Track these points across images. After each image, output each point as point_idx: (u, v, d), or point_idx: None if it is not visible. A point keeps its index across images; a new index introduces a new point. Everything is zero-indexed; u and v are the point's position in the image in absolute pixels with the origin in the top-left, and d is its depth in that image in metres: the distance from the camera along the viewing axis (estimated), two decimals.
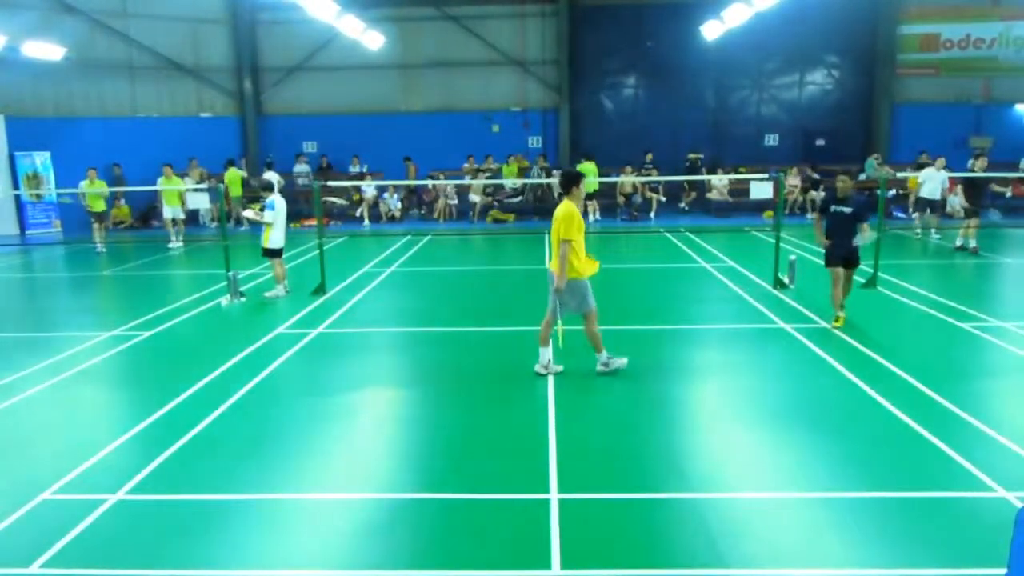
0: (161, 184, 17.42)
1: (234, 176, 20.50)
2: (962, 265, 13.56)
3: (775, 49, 22.79)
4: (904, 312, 9.90)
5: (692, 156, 21.49)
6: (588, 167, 19.70)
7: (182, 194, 17.05)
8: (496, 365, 7.98)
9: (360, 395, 7.25)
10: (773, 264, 11.39)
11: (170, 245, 17.08)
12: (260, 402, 6.98)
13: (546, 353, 7.41)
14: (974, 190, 14.34)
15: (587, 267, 7.19)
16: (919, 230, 16.65)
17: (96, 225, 17.02)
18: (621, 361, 7.43)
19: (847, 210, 8.86)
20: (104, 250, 16.77)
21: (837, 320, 8.99)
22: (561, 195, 7.34)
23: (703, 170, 21.16)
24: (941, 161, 15.98)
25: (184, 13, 22.34)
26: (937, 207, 16.25)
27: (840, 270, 8.99)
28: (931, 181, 15.59)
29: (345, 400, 7.03)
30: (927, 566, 4.17)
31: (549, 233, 7.24)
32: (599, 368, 7.40)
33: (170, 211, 17.30)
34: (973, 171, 14.64)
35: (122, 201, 21.27)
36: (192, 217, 20.84)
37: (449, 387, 7.32)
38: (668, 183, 20.93)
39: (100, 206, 16.99)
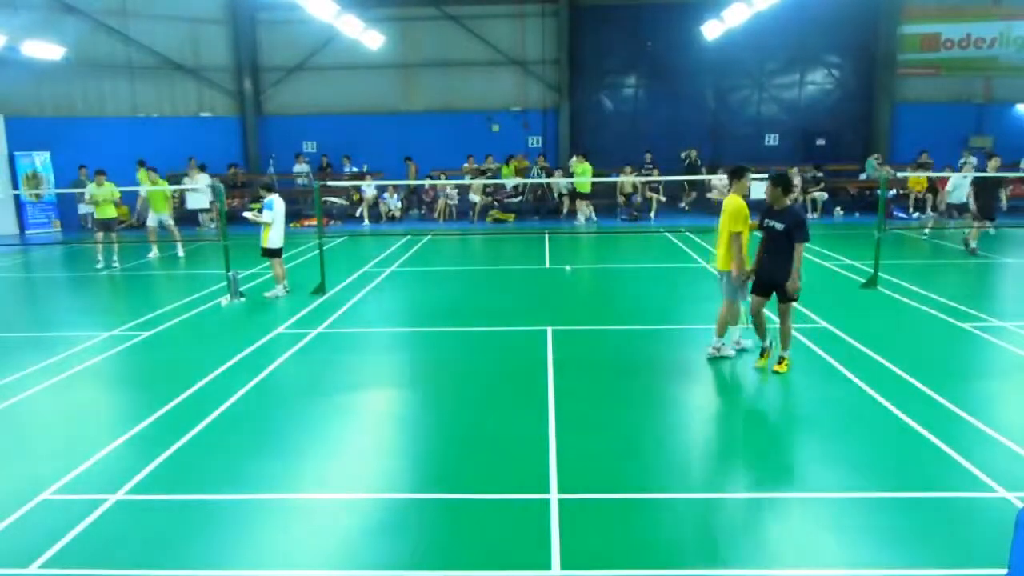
0: (145, 188, 16.29)
1: (143, 177, 18.69)
2: (962, 265, 13.55)
3: (775, 49, 22.78)
4: (904, 312, 9.89)
5: (684, 154, 21.16)
6: (585, 167, 19.71)
7: (172, 198, 16.58)
8: (496, 365, 7.99)
9: (360, 395, 7.26)
10: None
11: (149, 255, 15.85)
12: (260, 402, 6.98)
13: (728, 337, 7.87)
14: (986, 194, 14.22)
15: (747, 260, 7.57)
16: (925, 232, 16.64)
17: (102, 235, 14.84)
18: (730, 351, 7.85)
19: (779, 226, 7.11)
20: (117, 265, 14.78)
21: (779, 363, 7.38)
22: (727, 189, 7.78)
23: (703, 169, 21.12)
24: (969, 166, 15.82)
25: (184, 13, 22.35)
26: (964, 210, 16.16)
27: (761, 299, 7.36)
28: (960, 188, 15.36)
29: (345, 400, 7.03)
30: (927, 566, 4.16)
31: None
32: (709, 352, 7.83)
33: (155, 218, 15.91)
34: (985, 171, 14.62)
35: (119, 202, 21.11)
36: (192, 218, 20.85)
37: (449, 387, 7.33)
38: (668, 183, 20.91)
39: (110, 212, 14.76)
